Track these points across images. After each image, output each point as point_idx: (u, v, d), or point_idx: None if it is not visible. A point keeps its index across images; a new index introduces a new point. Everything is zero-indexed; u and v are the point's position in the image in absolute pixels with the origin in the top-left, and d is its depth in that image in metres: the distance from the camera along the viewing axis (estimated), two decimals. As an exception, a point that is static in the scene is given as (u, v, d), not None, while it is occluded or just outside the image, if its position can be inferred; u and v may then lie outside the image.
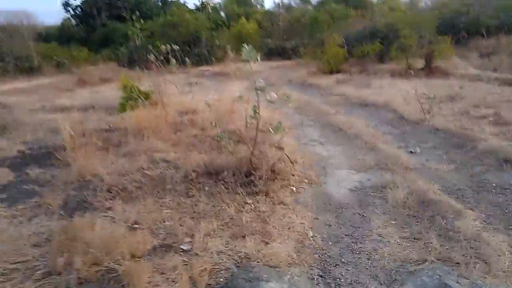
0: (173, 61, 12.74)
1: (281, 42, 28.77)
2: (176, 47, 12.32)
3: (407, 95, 10.10)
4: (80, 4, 39.44)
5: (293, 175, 5.24)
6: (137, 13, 28.69)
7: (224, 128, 6.93)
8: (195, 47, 24.78)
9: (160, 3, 39.60)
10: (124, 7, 38.57)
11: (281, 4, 38.98)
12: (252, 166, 5.11)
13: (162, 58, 13.68)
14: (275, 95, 4.77)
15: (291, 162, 5.39)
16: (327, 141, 7.06)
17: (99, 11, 39.91)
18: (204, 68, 22.62)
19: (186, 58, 13.46)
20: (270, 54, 27.59)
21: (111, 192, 4.80)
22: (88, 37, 38.91)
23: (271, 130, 5.40)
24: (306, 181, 5.16)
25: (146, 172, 5.31)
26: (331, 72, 16.50)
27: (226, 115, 8.20)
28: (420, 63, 14.98)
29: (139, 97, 10.73)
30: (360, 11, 33.52)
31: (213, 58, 24.30)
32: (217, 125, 6.60)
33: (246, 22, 30.52)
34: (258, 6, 43.10)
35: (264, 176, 4.93)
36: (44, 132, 8.29)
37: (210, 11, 39.55)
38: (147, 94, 10.96)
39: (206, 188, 4.87)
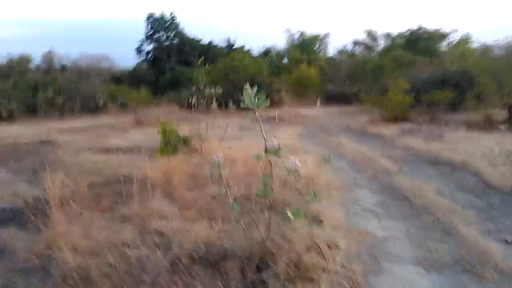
0: (214, 104, 11.48)
1: (342, 88, 27.13)
2: (219, 90, 11.20)
3: (490, 153, 7.98)
4: (152, 49, 40.59)
5: (328, 272, 3.47)
6: (202, 57, 28.58)
7: (249, 189, 5.35)
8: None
9: (226, 49, 39.72)
10: (192, 52, 39.06)
11: (344, 52, 37.63)
12: (266, 255, 3.44)
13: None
14: (297, 162, 3.11)
15: (323, 254, 3.64)
16: (385, 213, 5.19)
17: (168, 56, 40.79)
18: (260, 112, 21.40)
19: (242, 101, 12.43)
20: (331, 99, 26.00)
21: (65, 282, 3.32)
22: (157, 80, 39.69)
23: (307, 198, 3.70)
24: (346, 284, 3.36)
25: (126, 251, 3.79)
26: (395, 120, 14.47)
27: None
28: (501, 114, 12.62)
29: (178, 142, 9.54)
30: (428, 58, 31.27)
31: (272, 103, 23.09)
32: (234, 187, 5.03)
33: (307, 67, 29.31)
34: (321, 53, 42.00)
35: (283, 272, 3.24)
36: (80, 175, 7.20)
37: (274, 57, 39.07)
38: (186, 140, 9.72)
39: (198, 286, 3.24)
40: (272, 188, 3.41)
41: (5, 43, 56.29)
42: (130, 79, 38.94)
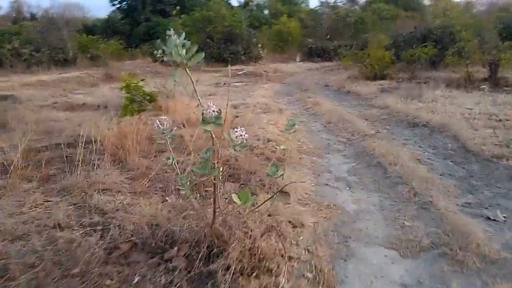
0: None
1: (323, 43, 26.22)
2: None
3: (470, 114, 7.54)
4: (126, -2, 38.47)
5: (290, 259, 2.99)
6: (178, 7, 27.09)
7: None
8: (231, 44, 22.71)
9: (204, -1, 37.95)
10: (169, 1, 37.19)
11: (326, 3, 36.27)
12: (216, 241, 2.94)
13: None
14: (245, 135, 2.50)
15: (284, 237, 3.16)
16: (358, 183, 4.71)
17: (144, 5, 38.76)
18: (238, 67, 20.52)
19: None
20: (311, 54, 25.16)
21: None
22: (132, 31, 37.87)
23: (268, 173, 3.11)
24: (309, 274, 2.89)
25: (58, 235, 3.23)
26: (374, 77, 13.89)
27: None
28: (482, 72, 12.15)
29: (143, 99, 8.83)
30: (410, 12, 30.36)
31: (249, 57, 22.17)
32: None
33: (287, 20, 28.17)
34: (303, 5, 40.56)
35: (235, 263, 2.76)
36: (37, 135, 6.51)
37: (253, 8, 37.52)
38: (152, 97, 9.01)
39: (136, 280, 2.74)
40: (215, 164, 2.76)
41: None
42: (103, 30, 37.09)
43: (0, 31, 21.45)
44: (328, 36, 27.91)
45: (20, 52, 19.65)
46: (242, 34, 22.98)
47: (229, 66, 4.07)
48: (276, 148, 5.45)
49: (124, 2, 38.64)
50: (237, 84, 15.19)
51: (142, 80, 8.84)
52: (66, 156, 5.08)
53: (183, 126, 6.53)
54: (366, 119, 8.11)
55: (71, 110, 10.93)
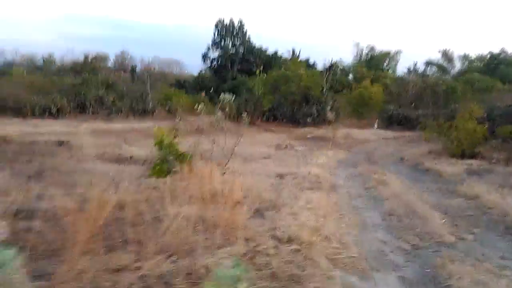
0: (245, 117, 9.31)
1: (406, 111, 23.70)
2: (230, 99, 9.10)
3: None
4: (217, 56, 39.45)
5: None
6: (262, 67, 26.48)
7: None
8: (305, 106, 21.25)
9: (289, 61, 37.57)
10: (256, 62, 37.34)
11: (414, 71, 33.83)
12: None
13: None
14: None
15: None
16: None
17: (232, 64, 39.40)
18: (308, 130, 18.84)
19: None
20: (390, 122, 22.74)
21: None
22: (217, 87, 38.34)
23: None
24: None
25: None
26: (462, 155, 11.26)
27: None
28: None
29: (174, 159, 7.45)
30: (508, 85, 26.80)
31: (323, 120, 20.45)
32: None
33: (370, 84, 26.21)
34: (390, 71, 38.37)
35: None
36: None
37: (338, 72, 36.20)
38: (184, 157, 7.57)
39: None
40: None
41: (83, 41, 58.15)
42: (192, 85, 38.06)
43: (88, 79, 22.22)
44: (413, 104, 25.37)
45: (104, 100, 19.97)
46: (318, 96, 21.45)
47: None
48: (293, 259, 3.52)
49: (215, 62, 39.63)
50: (299, 148, 13.43)
51: (175, 137, 7.45)
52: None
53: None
54: (445, 214, 5.79)
55: (116, 162, 9.98)
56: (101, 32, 59.22)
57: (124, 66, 39.94)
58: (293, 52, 39.11)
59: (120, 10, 72.52)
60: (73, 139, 12.30)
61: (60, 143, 11.09)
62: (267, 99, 20.97)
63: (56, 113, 18.40)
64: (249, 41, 39.10)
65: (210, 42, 38.57)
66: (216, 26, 38.60)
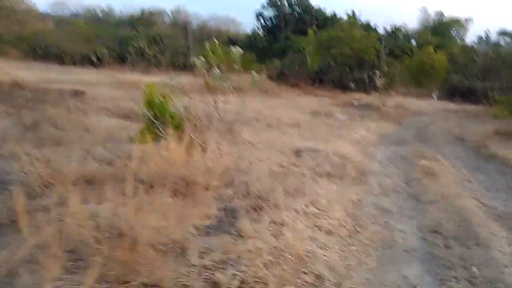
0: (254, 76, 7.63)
1: (472, 83, 20.35)
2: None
3: None
4: (272, 16, 36.87)
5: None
6: (314, 27, 23.87)
7: None
8: (356, 70, 18.68)
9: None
10: (311, 22, 34.41)
11: (485, 40, 29.44)
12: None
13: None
14: None
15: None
16: None
17: (286, 25, 36.71)
18: (357, 96, 16.45)
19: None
20: (453, 93, 19.61)
21: None
22: (269, 47, 36.13)
23: None
24: None
25: None
26: (540, 139, 8.68)
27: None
28: None
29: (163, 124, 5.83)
30: None
31: (374, 87, 17.87)
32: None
33: (433, 51, 22.84)
34: (458, 40, 33.88)
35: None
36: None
37: (400, 37, 32.47)
38: (176, 120, 5.96)
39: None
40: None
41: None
42: (245, 44, 36.17)
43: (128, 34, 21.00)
44: (481, 76, 21.82)
45: (144, 52, 18.71)
46: (372, 61, 18.75)
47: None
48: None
49: (269, 21, 37.12)
50: (339, 116, 11.33)
51: (164, 96, 5.80)
52: None
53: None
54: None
55: (123, 117, 8.64)
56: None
57: (178, 21, 38.49)
58: (353, 13, 35.43)
59: None
60: (92, 90, 11.10)
61: (75, 93, 9.89)
62: (315, 61, 18.64)
63: (97, 63, 17.41)
64: (307, 0, 36.04)
65: (265, 0, 35.98)
66: (273, -16, 35.81)
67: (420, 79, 22.82)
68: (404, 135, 9.12)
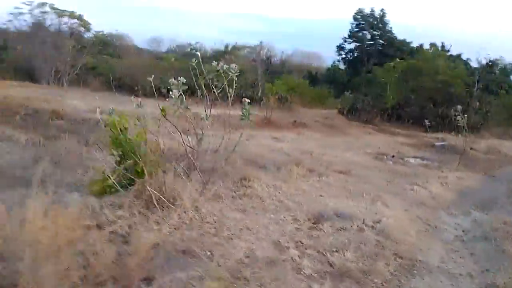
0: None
1: None
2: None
3: None
4: (353, 48, 34.78)
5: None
6: (398, 59, 21.30)
7: None
8: (442, 105, 15.73)
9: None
10: (397, 55, 31.54)
11: None
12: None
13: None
14: None
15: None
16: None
17: (368, 58, 34.28)
18: (439, 136, 13.61)
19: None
20: None
21: None
22: (349, 81, 33.89)
23: None
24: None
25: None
26: None
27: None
28: None
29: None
30: None
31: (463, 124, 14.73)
32: None
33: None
34: None
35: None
36: None
37: (496, 71, 27.97)
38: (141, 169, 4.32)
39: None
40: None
41: (237, 36, 58.13)
42: (324, 78, 34.44)
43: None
44: None
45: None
46: (461, 95, 15.70)
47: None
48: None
49: (350, 54, 35.03)
50: (411, 161, 8.92)
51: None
52: None
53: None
54: None
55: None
56: (254, 27, 58.78)
57: (260, 55, 38.16)
58: (443, 45, 31.82)
59: (276, 8, 71.03)
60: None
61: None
62: (391, 95, 16.16)
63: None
64: (391, 32, 33.35)
65: (347, 33, 34.05)
66: (355, 15, 33.83)
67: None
68: (494, 193, 6.47)
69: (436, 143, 12.17)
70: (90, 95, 14.91)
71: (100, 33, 25.88)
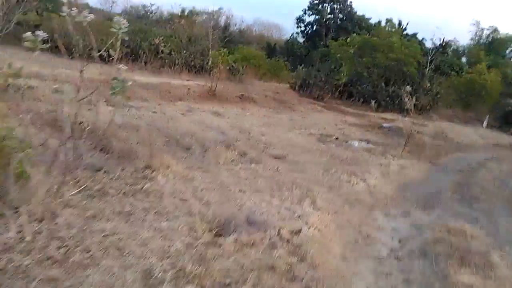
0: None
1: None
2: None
3: None
4: (312, 21, 33.70)
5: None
6: (354, 34, 20.42)
7: None
8: (393, 84, 15.25)
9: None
10: (354, 30, 30.86)
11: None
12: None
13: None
14: None
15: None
16: None
17: (327, 32, 33.42)
18: (388, 116, 13.13)
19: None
20: (507, 121, 15.67)
21: None
22: (307, 55, 32.99)
23: None
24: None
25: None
26: None
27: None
28: None
29: None
30: None
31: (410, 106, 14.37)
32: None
33: (485, 71, 18.85)
34: (514, 59, 29.04)
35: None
36: None
37: (448, 52, 28.14)
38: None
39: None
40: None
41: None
42: (282, 50, 33.30)
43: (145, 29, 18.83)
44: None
45: (158, 49, 16.32)
46: (413, 75, 15.25)
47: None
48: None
49: (310, 26, 33.96)
50: (355, 144, 8.24)
51: None
52: None
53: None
54: None
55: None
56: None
57: (217, 23, 36.20)
58: (399, 23, 31.44)
59: None
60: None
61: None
62: (344, 71, 15.43)
63: (106, 58, 15.11)
64: (350, 7, 32.55)
65: (307, 5, 32.85)
66: (317, -14, 32.60)
67: (468, 101, 18.91)
68: (438, 186, 5.86)
69: (384, 125, 11.64)
70: (18, 54, 12.97)
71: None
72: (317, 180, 4.97)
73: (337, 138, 8.52)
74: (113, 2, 36.87)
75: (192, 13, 34.12)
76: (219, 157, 5.44)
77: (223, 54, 14.34)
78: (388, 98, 14.52)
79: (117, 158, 4.29)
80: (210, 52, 17.54)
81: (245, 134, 7.50)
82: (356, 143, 8.34)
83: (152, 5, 35.94)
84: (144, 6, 35.88)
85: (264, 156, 5.99)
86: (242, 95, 12.66)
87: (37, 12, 19.24)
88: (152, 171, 3.94)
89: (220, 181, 4.26)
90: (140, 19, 32.02)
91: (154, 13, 35.61)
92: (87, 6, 33.60)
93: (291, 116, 10.90)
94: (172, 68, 16.22)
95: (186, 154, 5.31)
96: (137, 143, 5.03)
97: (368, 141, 8.77)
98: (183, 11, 33.76)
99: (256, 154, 5.96)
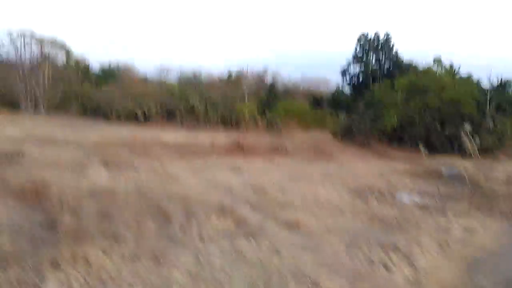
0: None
1: None
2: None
3: None
4: (357, 72, 32.31)
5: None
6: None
7: None
8: (450, 126, 12.90)
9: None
10: (400, 76, 28.80)
11: None
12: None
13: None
14: None
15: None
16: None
17: (374, 81, 31.67)
18: (448, 160, 10.78)
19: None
20: None
21: None
22: (353, 103, 31.20)
23: None
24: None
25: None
26: None
27: None
28: None
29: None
30: None
31: (472, 148, 11.85)
32: None
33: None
34: None
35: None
36: None
37: (509, 90, 24.74)
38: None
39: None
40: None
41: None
42: (328, 102, 32.04)
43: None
44: None
45: (194, 109, 15.75)
46: (471, 115, 12.86)
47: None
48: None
49: (355, 77, 32.52)
50: (404, 198, 6.22)
51: None
52: None
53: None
54: None
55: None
56: (265, 57, 56.68)
57: (263, 82, 36.11)
58: (451, 67, 28.79)
59: (285, 41, 68.65)
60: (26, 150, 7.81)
61: (11, 155, 6.79)
62: (391, 115, 13.48)
63: (144, 119, 14.82)
64: (397, 55, 30.83)
65: (350, 57, 31.66)
66: (359, 40, 31.53)
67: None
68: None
69: (444, 170, 9.36)
70: (60, 122, 12.96)
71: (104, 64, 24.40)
72: (335, 263, 3.17)
73: (381, 192, 6.58)
74: (167, 71, 38.36)
75: (240, 75, 34.43)
76: (202, 228, 3.89)
77: (248, 106, 13.32)
78: (444, 140, 12.18)
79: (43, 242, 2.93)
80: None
81: (259, 194, 5.90)
82: (405, 197, 6.33)
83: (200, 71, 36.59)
84: (194, 72, 36.83)
85: (271, 223, 4.32)
86: (274, 147, 11.19)
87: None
88: (55, 267, 2.47)
89: (161, 281, 2.66)
90: (190, 83, 32.81)
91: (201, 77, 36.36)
92: (145, 77, 34.95)
93: (327, 167, 9.13)
94: (208, 124, 15.44)
95: (156, 226, 3.83)
96: (88, 217, 3.67)
97: (421, 193, 6.70)
98: (230, 73, 34.16)
99: (260, 221, 4.32)
